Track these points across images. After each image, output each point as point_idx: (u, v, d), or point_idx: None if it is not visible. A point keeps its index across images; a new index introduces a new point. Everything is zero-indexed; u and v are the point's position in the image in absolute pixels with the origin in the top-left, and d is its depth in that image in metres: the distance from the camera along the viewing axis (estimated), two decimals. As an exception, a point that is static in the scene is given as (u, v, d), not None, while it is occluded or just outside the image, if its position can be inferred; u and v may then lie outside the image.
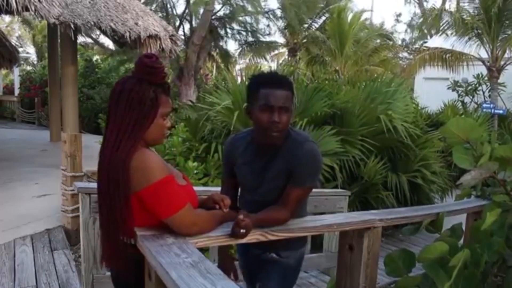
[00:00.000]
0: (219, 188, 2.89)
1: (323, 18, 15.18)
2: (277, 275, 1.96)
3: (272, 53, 18.02)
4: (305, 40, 15.31)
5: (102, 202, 1.49)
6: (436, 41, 12.50)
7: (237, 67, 17.94)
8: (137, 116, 1.43)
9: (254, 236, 1.65)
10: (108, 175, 1.42)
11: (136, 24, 6.49)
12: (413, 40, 26.99)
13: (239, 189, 2.00)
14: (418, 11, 27.75)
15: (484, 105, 9.76)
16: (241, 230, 1.56)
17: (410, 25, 29.64)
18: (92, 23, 6.06)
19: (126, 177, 1.38)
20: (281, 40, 16.56)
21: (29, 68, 20.00)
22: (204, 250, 2.73)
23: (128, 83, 1.45)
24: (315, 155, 1.77)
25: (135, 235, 1.48)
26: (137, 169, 1.39)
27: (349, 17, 12.65)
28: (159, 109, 1.46)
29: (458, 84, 11.22)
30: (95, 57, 16.23)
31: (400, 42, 26.08)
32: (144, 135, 1.45)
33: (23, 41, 24.18)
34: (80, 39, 12.96)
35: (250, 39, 13.43)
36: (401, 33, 30.62)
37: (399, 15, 35.51)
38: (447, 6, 13.45)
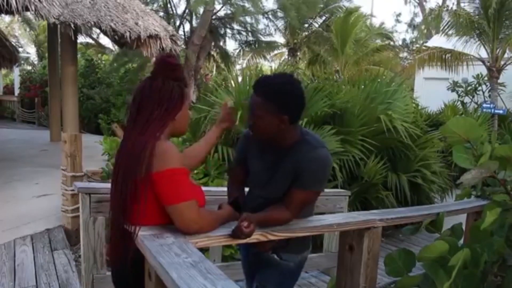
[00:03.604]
0: (219, 188, 2.91)
1: (323, 18, 15.19)
2: (276, 278, 1.96)
3: (272, 53, 18.01)
4: (305, 40, 15.32)
5: (115, 192, 1.53)
6: (436, 41, 12.50)
7: (237, 67, 17.94)
8: (166, 110, 1.52)
9: (254, 236, 1.65)
10: (129, 157, 1.47)
11: (136, 24, 6.49)
12: (414, 40, 27.00)
13: (249, 184, 2.01)
14: (418, 10, 27.78)
15: (484, 105, 9.76)
16: (244, 236, 1.58)
17: (410, 25, 29.64)
18: (92, 23, 6.06)
19: (149, 157, 1.43)
20: (281, 40, 16.58)
21: (29, 68, 20.00)
22: (204, 250, 2.74)
23: (155, 85, 1.54)
24: (326, 161, 1.77)
25: (147, 220, 1.50)
26: (160, 152, 1.44)
27: (352, 18, 12.72)
28: (185, 101, 1.58)
29: (458, 84, 11.22)
30: (98, 56, 16.19)
31: (400, 42, 26.10)
32: (171, 124, 1.54)
33: (23, 41, 24.16)
34: (81, 38, 12.96)
35: (250, 39, 13.42)
36: (402, 33, 30.65)
37: (399, 15, 35.40)
38: (448, 6, 13.40)
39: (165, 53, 1.93)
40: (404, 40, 28.04)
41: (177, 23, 11.87)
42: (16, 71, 15.89)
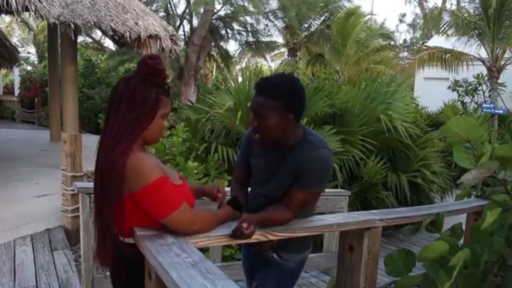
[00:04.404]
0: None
1: (323, 17, 15.18)
2: (275, 277, 1.96)
3: (272, 53, 18.01)
4: (305, 40, 15.31)
5: (97, 200, 1.50)
6: (436, 41, 12.51)
7: (237, 67, 17.94)
8: (137, 116, 1.44)
9: (254, 237, 1.65)
10: (103, 174, 1.43)
11: (136, 24, 6.48)
12: (415, 41, 27.02)
13: (252, 181, 2.01)
14: (418, 11, 27.80)
15: (484, 105, 9.76)
16: (244, 237, 1.58)
17: (412, 25, 29.66)
18: (92, 23, 6.06)
19: (121, 177, 1.38)
20: (281, 40, 16.57)
21: (29, 68, 19.99)
22: (204, 250, 2.74)
23: (131, 83, 1.46)
24: (327, 162, 1.77)
25: (130, 234, 1.49)
26: (132, 170, 1.39)
27: (352, 18, 12.75)
28: (159, 110, 1.48)
29: (459, 84, 11.22)
30: (97, 55, 16.19)
31: (402, 42, 26.14)
32: (143, 134, 1.46)
33: (23, 41, 24.14)
34: (80, 38, 12.97)
35: (250, 39, 13.41)
36: (403, 33, 30.69)
37: (404, 15, 35.35)
38: (447, 6, 13.43)
39: (152, 54, 1.82)
40: (405, 40, 28.11)
41: (177, 23, 11.86)
42: (16, 71, 15.88)
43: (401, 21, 31.03)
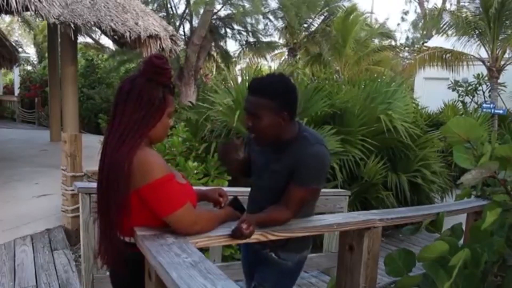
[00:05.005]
0: (219, 188, 2.90)
1: (322, 17, 15.18)
2: (274, 277, 1.96)
3: (272, 53, 18.01)
4: (305, 40, 15.32)
5: (101, 200, 1.50)
6: (436, 41, 12.51)
7: (238, 67, 17.94)
8: (144, 115, 1.44)
9: (254, 236, 1.65)
10: (109, 172, 1.43)
11: (136, 24, 6.48)
12: (415, 40, 27.03)
13: (251, 178, 2.03)
14: (420, 11, 27.80)
15: (484, 105, 9.76)
16: (244, 237, 1.59)
17: (413, 24, 29.67)
18: (92, 23, 6.06)
19: (127, 174, 1.39)
20: (281, 40, 16.56)
21: (29, 68, 19.99)
22: (204, 250, 2.74)
23: (137, 82, 1.46)
24: (322, 158, 1.77)
25: (131, 233, 1.49)
26: (139, 167, 1.39)
27: (351, 17, 12.77)
28: (167, 109, 1.49)
29: (459, 84, 11.22)
30: (98, 55, 16.19)
31: (403, 41, 26.14)
32: (149, 133, 1.47)
33: (23, 41, 24.13)
34: (81, 38, 12.97)
35: (251, 39, 13.41)
36: (404, 33, 30.71)
37: (406, 13, 35.06)
38: (447, 6, 13.44)
39: (158, 53, 1.85)
40: (407, 38, 28.11)
41: (177, 23, 11.85)
42: (16, 71, 15.88)
43: (403, 19, 30.90)
